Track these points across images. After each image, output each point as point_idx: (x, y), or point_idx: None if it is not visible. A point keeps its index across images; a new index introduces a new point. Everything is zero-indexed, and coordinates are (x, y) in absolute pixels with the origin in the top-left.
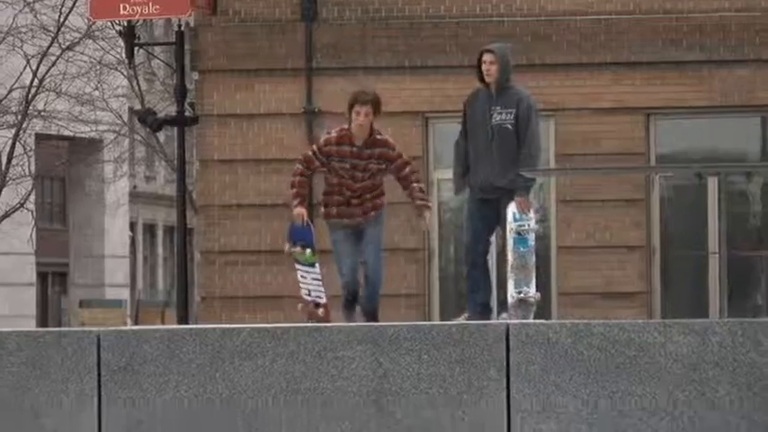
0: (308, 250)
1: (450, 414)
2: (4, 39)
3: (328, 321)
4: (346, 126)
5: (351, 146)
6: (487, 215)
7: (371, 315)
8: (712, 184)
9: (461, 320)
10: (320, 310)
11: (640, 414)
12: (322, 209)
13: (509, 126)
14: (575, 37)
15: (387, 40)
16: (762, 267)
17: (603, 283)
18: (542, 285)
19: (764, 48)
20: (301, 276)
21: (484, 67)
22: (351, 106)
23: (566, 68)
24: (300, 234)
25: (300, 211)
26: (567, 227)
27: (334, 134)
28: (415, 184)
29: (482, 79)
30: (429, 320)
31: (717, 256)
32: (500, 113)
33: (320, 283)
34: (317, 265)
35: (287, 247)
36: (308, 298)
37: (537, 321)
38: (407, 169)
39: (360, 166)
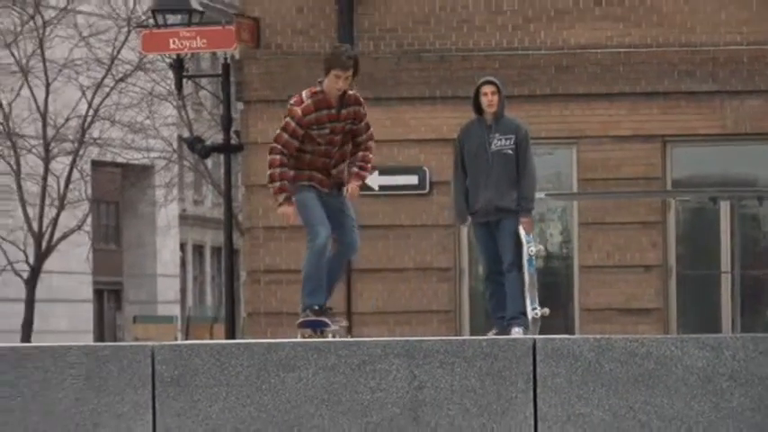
0: None
1: (481, 424)
2: (61, 71)
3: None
4: (317, 88)
5: (329, 109)
6: (493, 236)
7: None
8: (725, 207)
9: (491, 335)
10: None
11: (659, 423)
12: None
13: (509, 151)
14: (595, 69)
15: (419, 72)
16: None
17: (623, 300)
18: (566, 302)
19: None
20: None
21: (485, 98)
22: (330, 68)
23: (587, 98)
24: None
25: (287, 210)
26: (588, 248)
27: (308, 101)
28: (365, 153)
29: (478, 110)
30: (460, 335)
31: (729, 275)
32: (500, 140)
33: None
34: None
35: None
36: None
37: (562, 336)
38: (368, 133)
39: (337, 128)
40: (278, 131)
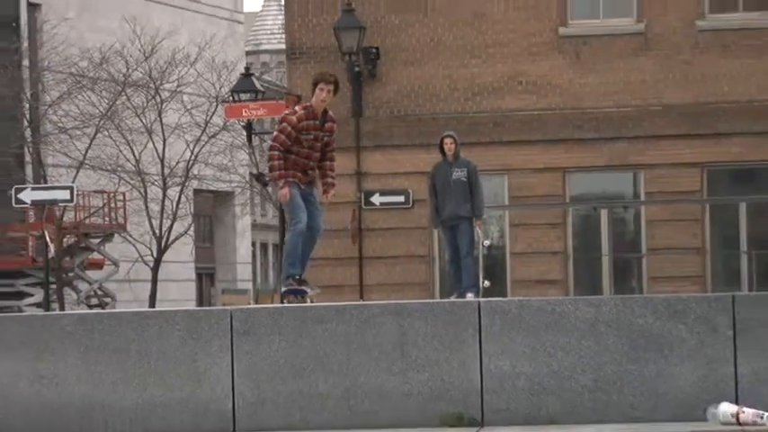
0: None
1: (445, 356)
2: (173, 131)
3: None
4: (307, 103)
5: (314, 119)
6: (454, 235)
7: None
8: (604, 214)
9: (453, 299)
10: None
11: (561, 354)
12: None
13: (464, 179)
14: (519, 124)
15: (404, 129)
16: (636, 264)
17: (538, 274)
18: (501, 277)
19: (633, 128)
20: None
21: (447, 146)
22: (316, 83)
23: (514, 144)
24: None
25: (286, 191)
26: (516, 240)
27: (301, 111)
28: (330, 163)
29: (443, 153)
30: (433, 299)
31: (607, 257)
32: (457, 172)
33: None
34: None
35: None
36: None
37: (498, 299)
38: (333, 144)
39: (319, 137)
40: (275, 134)
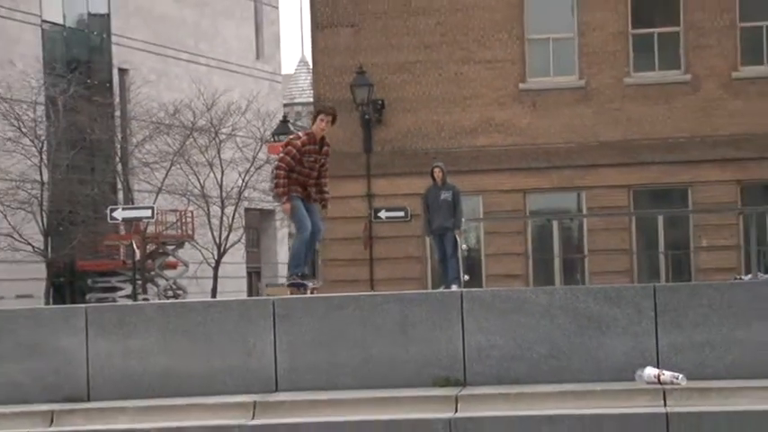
0: None
1: (435, 334)
2: (228, 165)
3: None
4: (309, 130)
5: (314, 145)
6: (442, 242)
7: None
8: (555, 224)
9: (441, 290)
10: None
11: (522, 331)
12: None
13: (449, 199)
14: (490, 157)
15: (404, 161)
16: (579, 262)
17: (506, 270)
18: (478, 272)
19: (576, 159)
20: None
21: (436, 173)
22: (318, 114)
23: (486, 172)
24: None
25: (289, 207)
26: (489, 245)
27: (304, 137)
28: (325, 180)
29: (433, 179)
30: (426, 290)
31: (558, 258)
32: (444, 194)
33: None
34: None
35: None
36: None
37: (476, 289)
38: (326, 166)
39: (318, 159)
40: (282, 155)
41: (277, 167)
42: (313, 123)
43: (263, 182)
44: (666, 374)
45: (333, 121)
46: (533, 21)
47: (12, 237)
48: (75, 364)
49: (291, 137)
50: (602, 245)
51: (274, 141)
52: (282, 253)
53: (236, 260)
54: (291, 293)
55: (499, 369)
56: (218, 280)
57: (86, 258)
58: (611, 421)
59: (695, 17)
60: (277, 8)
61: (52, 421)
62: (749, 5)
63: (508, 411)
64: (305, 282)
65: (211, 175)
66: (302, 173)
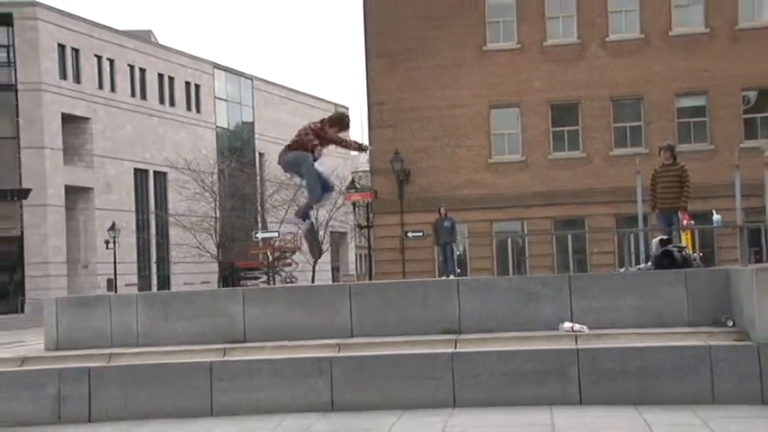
0: None
1: (441, 306)
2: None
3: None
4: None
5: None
6: (444, 250)
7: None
8: (510, 240)
9: (443, 278)
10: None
11: (492, 301)
12: (309, 153)
13: (449, 226)
14: (471, 201)
15: (422, 203)
16: (524, 261)
17: (481, 266)
18: (465, 268)
19: (521, 204)
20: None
21: (441, 211)
22: (340, 129)
23: (470, 210)
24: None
25: (318, 152)
26: (471, 252)
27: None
28: (350, 139)
29: (440, 214)
30: (435, 277)
31: (511, 258)
32: (446, 223)
33: None
34: None
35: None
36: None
37: (464, 278)
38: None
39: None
40: (308, 130)
41: (306, 133)
42: (329, 125)
43: (340, 217)
44: (576, 326)
45: (339, 129)
46: (495, 123)
47: (198, 248)
48: (236, 322)
49: (312, 125)
50: (536, 252)
51: (347, 192)
52: (351, 256)
53: (325, 261)
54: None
55: (479, 323)
56: (315, 273)
57: (241, 260)
58: (545, 353)
59: (589, 121)
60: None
61: (225, 353)
62: (622, 112)
63: (486, 348)
64: (306, 219)
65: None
66: (317, 143)
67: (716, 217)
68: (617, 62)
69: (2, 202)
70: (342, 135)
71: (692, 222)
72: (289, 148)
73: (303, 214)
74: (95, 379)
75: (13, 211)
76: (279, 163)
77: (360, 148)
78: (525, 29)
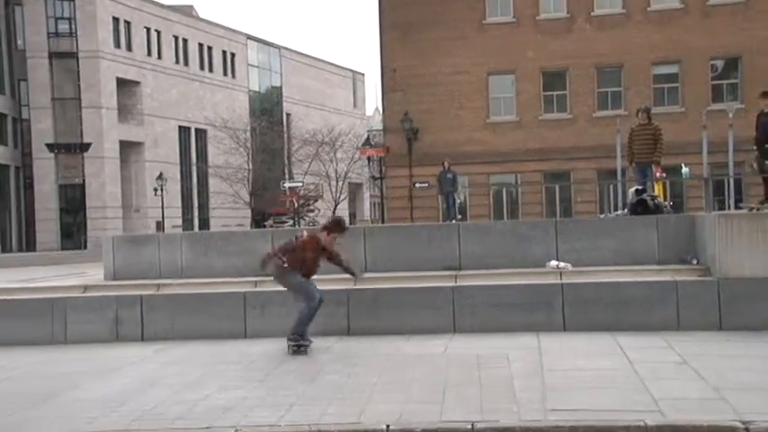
0: None
1: (446, 243)
2: (340, 160)
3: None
4: (328, 237)
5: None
6: (447, 198)
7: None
8: (504, 190)
9: (448, 222)
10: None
11: (490, 241)
12: (299, 271)
13: (452, 178)
14: (472, 156)
15: (429, 158)
16: (518, 209)
17: (480, 212)
18: (466, 213)
19: (516, 159)
20: None
21: (445, 164)
22: (338, 226)
23: (470, 164)
24: None
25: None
26: (471, 200)
27: (327, 240)
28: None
29: (443, 167)
30: (440, 222)
31: (505, 207)
32: (449, 175)
33: None
34: None
35: None
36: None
37: (465, 222)
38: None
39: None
40: (322, 240)
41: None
42: (328, 235)
43: (357, 168)
44: (561, 264)
45: (340, 233)
46: (493, 88)
47: (234, 196)
48: None
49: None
50: (528, 200)
51: (363, 148)
52: (366, 204)
53: (343, 207)
54: (292, 349)
55: (478, 261)
56: None
57: (270, 206)
58: (534, 287)
59: (575, 87)
60: (364, 81)
61: (256, 285)
62: (605, 78)
63: (482, 282)
64: (305, 343)
65: (332, 166)
66: (316, 262)
67: (685, 170)
68: (601, 34)
69: (67, 154)
70: (338, 244)
71: (664, 175)
72: (292, 266)
73: (299, 332)
74: (146, 305)
75: (76, 162)
76: (276, 280)
77: (353, 274)
78: (520, 4)
